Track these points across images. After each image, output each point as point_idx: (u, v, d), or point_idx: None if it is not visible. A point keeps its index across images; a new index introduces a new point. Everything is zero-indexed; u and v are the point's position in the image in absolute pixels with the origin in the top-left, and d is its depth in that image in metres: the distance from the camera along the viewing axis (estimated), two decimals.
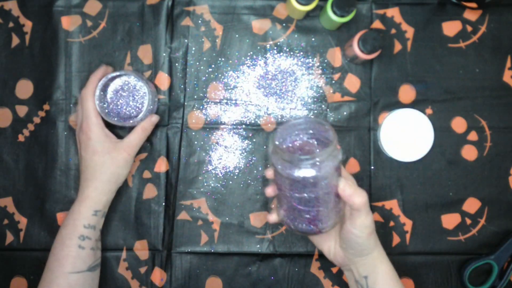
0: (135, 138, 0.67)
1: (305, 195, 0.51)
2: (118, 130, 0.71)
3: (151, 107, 0.68)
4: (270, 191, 0.57)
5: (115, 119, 0.67)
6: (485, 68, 0.72)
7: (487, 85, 0.72)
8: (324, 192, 0.51)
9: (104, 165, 0.64)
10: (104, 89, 0.68)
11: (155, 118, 0.68)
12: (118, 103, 0.69)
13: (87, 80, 0.66)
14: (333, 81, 0.72)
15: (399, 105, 0.72)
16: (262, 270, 0.70)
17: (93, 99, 0.65)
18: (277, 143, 0.52)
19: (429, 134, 0.70)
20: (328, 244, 0.61)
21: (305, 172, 0.48)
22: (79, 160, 0.67)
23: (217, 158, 0.71)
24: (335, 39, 0.72)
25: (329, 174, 0.50)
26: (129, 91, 0.69)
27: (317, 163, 0.48)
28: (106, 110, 0.68)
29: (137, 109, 0.69)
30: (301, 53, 0.72)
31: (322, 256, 0.70)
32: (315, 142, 0.54)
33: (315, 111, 0.71)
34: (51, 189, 0.71)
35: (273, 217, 0.58)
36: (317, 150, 0.53)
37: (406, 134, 0.70)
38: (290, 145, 0.54)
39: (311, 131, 0.54)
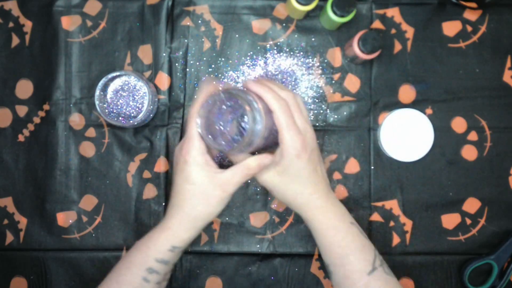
0: (236, 176, 0.55)
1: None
2: (119, 132, 0.71)
3: (151, 107, 0.68)
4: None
5: (116, 119, 0.67)
6: (485, 68, 0.72)
7: (487, 85, 0.72)
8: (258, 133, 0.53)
9: (195, 199, 0.56)
10: (104, 89, 0.68)
11: (267, 161, 0.56)
12: (118, 103, 0.69)
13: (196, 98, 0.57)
14: (333, 81, 0.72)
15: (399, 105, 0.72)
16: (262, 270, 0.70)
17: (195, 117, 0.56)
18: (204, 137, 0.55)
19: (429, 134, 0.70)
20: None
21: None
22: (172, 183, 0.59)
23: (217, 158, 0.71)
24: (335, 39, 0.72)
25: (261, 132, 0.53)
26: (129, 91, 0.69)
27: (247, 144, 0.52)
28: (106, 111, 0.68)
29: (137, 109, 0.69)
30: (301, 53, 0.72)
31: None
32: (240, 121, 0.53)
33: (315, 111, 0.71)
34: (51, 189, 0.71)
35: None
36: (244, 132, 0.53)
37: (406, 134, 0.70)
38: (215, 136, 0.55)
39: (231, 108, 0.54)
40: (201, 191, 0.55)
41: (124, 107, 0.69)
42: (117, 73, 0.66)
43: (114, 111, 0.68)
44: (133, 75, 0.67)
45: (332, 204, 0.58)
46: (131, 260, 0.57)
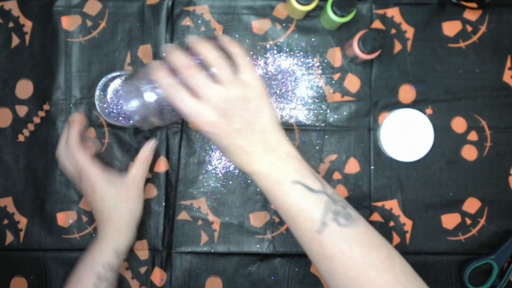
0: (138, 171, 0.65)
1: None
2: (118, 132, 0.71)
3: None
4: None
5: (116, 119, 0.67)
6: (485, 68, 0.72)
7: (487, 85, 0.72)
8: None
9: (118, 207, 0.63)
10: (104, 89, 0.68)
11: (152, 144, 0.67)
12: (118, 103, 0.69)
13: (64, 134, 0.66)
14: (333, 81, 0.72)
15: (399, 105, 0.72)
16: (262, 270, 0.70)
17: (79, 151, 0.63)
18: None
19: (429, 134, 0.70)
20: None
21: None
22: (90, 207, 0.66)
23: (217, 158, 0.71)
24: (335, 39, 0.72)
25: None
26: None
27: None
28: (106, 111, 0.68)
29: None
30: (301, 53, 0.72)
31: None
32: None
33: (315, 111, 0.71)
34: (51, 189, 0.71)
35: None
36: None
37: (406, 134, 0.70)
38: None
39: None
40: (119, 199, 0.63)
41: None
42: (117, 73, 0.66)
43: (114, 111, 0.68)
44: None
45: (273, 165, 0.51)
46: (79, 273, 0.61)
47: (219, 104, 0.50)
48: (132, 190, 0.64)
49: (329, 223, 0.49)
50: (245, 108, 0.51)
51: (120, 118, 0.68)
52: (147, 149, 0.66)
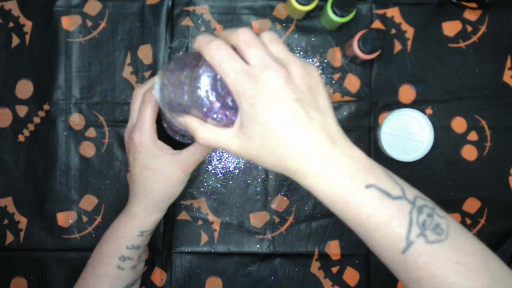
0: (194, 153, 0.55)
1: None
2: (119, 132, 0.70)
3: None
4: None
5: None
6: (485, 68, 0.72)
7: (487, 85, 0.72)
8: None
9: (156, 183, 0.56)
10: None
11: (226, 132, 0.53)
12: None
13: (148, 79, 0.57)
14: (333, 81, 0.72)
15: (399, 105, 0.72)
16: (262, 270, 0.71)
17: (152, 102, 0.54)
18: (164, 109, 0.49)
19: (429, 134, 0.70)
20: None
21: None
22: (129, 170, 0.59)
23: (217, 158, 0.71)
24: (335, 39, 0.72)
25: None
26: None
27: None
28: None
29: None
30: (301, 53, 0.72)
31: (322, 256, 0.70)
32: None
33: None
34: (51, 189, 0.71)
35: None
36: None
37: (406, 134, 0.70)
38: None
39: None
40: (160, 175, 0.55)
41: None
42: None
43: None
44: None
45: (335, 162, 0.40)
46: (103, 252, 0.58)
47: (275, 79, 0.39)
48: (178, 172, 0.55)
49: (415, 240, 0.39)
50: (308, 82, 0.41)
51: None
52: (213, 135, 0.48)
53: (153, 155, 0.54)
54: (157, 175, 0.55)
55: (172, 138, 0.59)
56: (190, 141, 0.59)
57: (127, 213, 0.58)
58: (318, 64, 0.72)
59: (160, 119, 0.57)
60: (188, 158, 0.55)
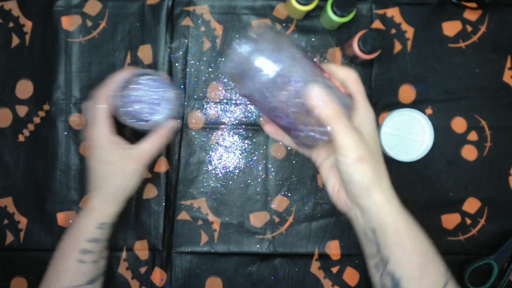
0: (149, 146, 0.59)
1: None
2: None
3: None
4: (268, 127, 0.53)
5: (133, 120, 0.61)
6: (485, 68, 0.72)
7: (487, 85, 0.72)
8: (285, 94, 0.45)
9: (112, 176, 0.59)
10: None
11: (173, 124, 0.61)
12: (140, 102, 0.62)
13: (105, 81, 0.60)
14: None
15: (399, 105, 0.72)
16: (262, 270, 0.71)
17: (107, 102, 0.58)
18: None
19: (429, 134, 0.70)
20: (332, 182, 0.51)
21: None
22: (87, 166, 0.61)
23: (217, 158, 0.71)
24: (335, 39, 0.72)
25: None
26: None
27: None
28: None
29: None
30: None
31: (322, 256, 0.70)
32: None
33: None
34: (51, 189, 0.71)
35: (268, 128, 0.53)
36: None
37: (406, 134, 0.70)
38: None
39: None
40: (115, 168, 0.58)
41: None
42: (140, 72, 0.61)
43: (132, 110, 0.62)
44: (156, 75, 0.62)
45: (383, 196, 0.47)
46: (63, 248, 0.60)
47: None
48: (134, 162, 0.59)
49: (450, 280, 0.48)
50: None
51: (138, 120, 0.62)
52: (167, 127, 0.60)
53: (107, 149, 0.58)
54: (112, 169, 0.58)
55: (135, 134, 0.63)
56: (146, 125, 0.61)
57: (86, 207, 0.60)
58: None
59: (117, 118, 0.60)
60: (142, 151, 0.59)
